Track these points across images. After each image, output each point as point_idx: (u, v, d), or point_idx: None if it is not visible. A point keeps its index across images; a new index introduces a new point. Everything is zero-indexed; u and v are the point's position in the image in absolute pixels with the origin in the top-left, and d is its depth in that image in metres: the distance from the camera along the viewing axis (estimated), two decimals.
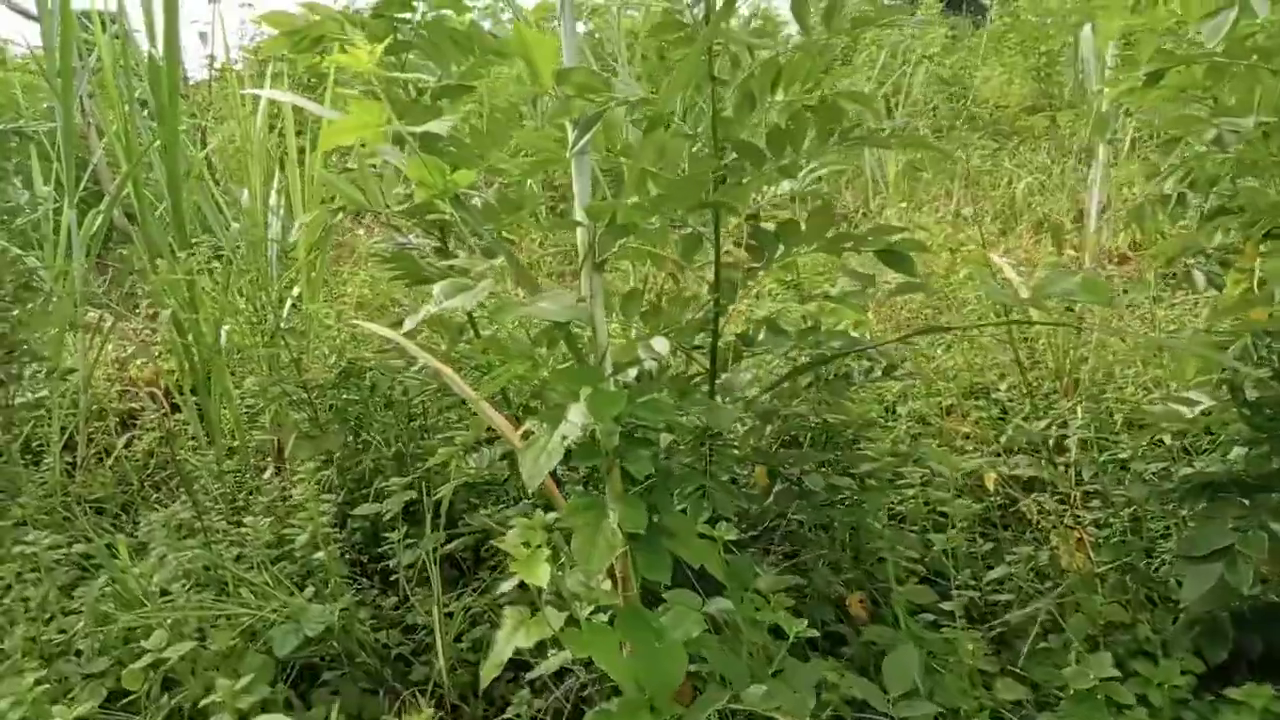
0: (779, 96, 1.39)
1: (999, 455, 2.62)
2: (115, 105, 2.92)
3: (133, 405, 3.54)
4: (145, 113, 3.28)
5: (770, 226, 1.44)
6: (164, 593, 1.98)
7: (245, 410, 3.05)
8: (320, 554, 1.90)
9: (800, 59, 1.27)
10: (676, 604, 1.13)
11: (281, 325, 2.71)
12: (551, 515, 1.13)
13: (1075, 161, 6.22)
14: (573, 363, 1.25)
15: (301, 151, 3.20)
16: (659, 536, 1.15)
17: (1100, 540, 2.06)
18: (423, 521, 2.34)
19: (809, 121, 1.29)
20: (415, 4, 1.80)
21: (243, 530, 2.08)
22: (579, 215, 1.23)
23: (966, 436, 2.50)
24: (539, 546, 1.06)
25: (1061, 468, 2.35)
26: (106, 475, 3.01)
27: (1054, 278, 1.23)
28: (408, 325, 1.18)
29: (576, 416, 1.13)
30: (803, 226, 1.36)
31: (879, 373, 1.95)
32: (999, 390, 2.91)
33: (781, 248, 1.39)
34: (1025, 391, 2.77)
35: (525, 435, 1.18)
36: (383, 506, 2.29)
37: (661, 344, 1.25)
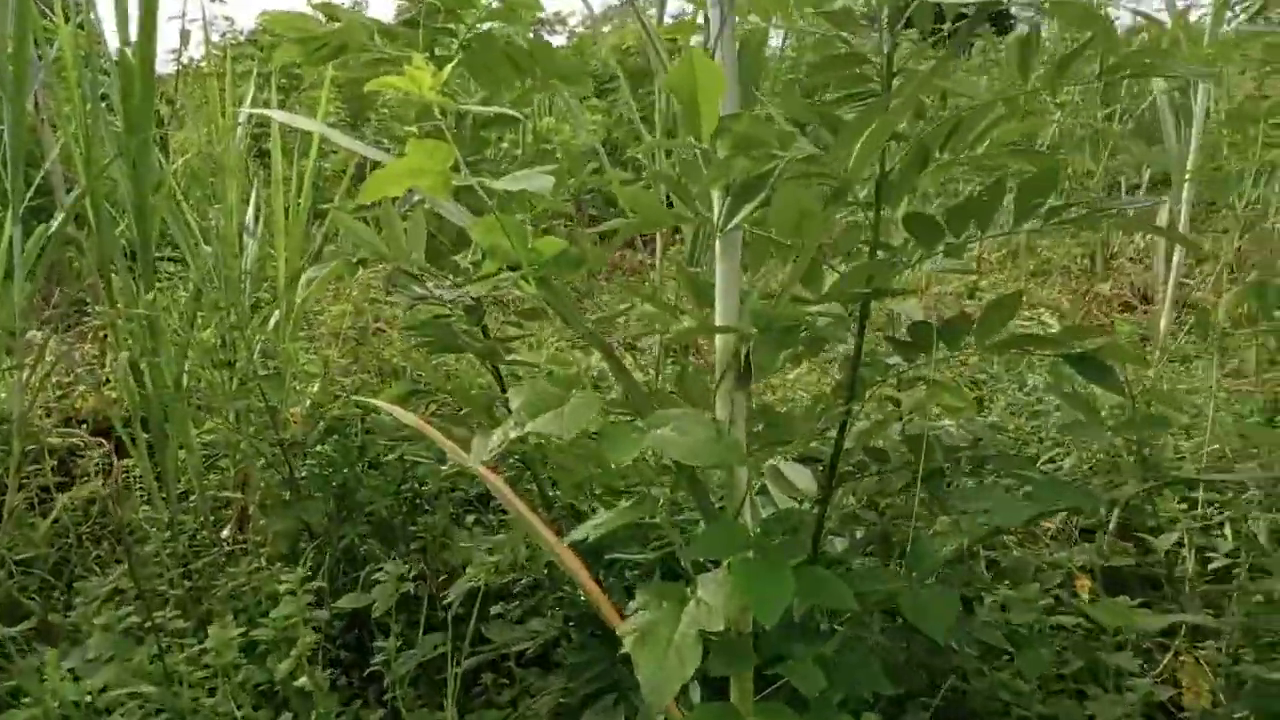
0: (944, 155, 1.09)
1: (1076, 543, 2.34)
2: (75, 104, 2.54)
3: (74, 442, 3.12)
4: (105, 105, 2.89)
5: (923, 316, 1.14)
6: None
7: (204, 456, 2.66)
8: (303, 679, 1.54)
9: (1001, 109, 0.97)
10: None
11: (256, 370, 2.34)
12: None
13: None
14: (694, 506, 0.94)
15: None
16: None
17: (1227, 671, 1.77)
18: (418, 616, 1.99)
19: (1004, 190, 1.00)
20: (464, 15, 1.47)
21: (202, 637, 1.70)
22: (724, 315, 0.91)
23: (1046, 530, 2.21)
24: None
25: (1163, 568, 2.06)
26: (39, 529, 2.59)
27: None
28: (478, 456, 0.85)
29: (714, 596, 0.80)
30: (974, 320, 1.06)
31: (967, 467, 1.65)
32: (1060, 467, 2.64)
33: (943, 345, 1.09)
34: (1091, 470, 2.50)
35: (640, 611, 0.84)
36: (372, 598, 1.93)
37: (801, 475, 0.93)
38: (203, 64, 4.65)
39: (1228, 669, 1.78)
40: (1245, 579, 1.90)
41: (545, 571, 1.64)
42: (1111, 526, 2.32)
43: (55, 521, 2.62)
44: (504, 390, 1.59)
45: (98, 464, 2.87)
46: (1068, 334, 1.04)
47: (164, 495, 2.50)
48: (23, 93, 2.37)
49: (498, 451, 0.85)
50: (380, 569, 2.01)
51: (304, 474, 2.28)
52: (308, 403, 2.24)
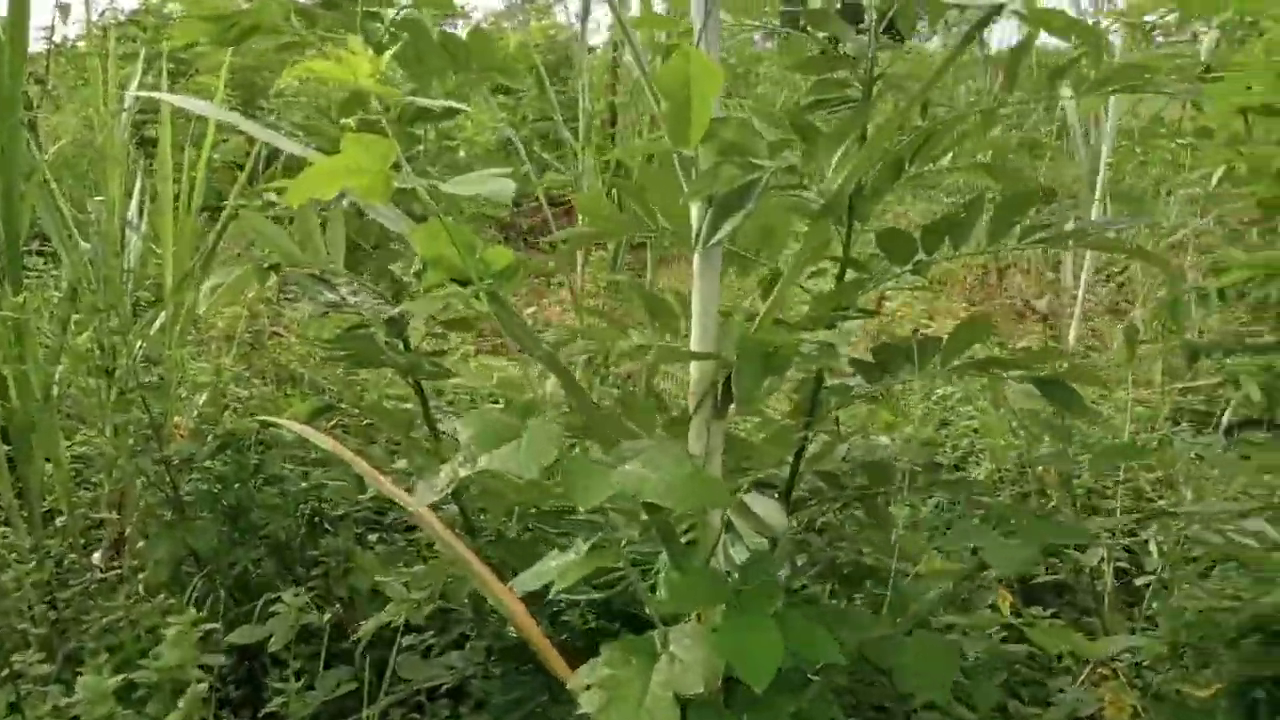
0: (913, 168, 1.04)
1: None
2: None
3: None
4: None
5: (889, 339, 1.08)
6: None
7: (74, 472, 2.41)
8: None
9: (982, 122, 0.92)
10: None
11: (138, 378, 2.13)
12: None
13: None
14: (663, 552, 0.84)
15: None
16: None
17: (1146, 686, 1.79)
18: (319, 649, 1.83)
19: (983, 207, 0.95)
20: None
21: (70, 681, 1.51)
22: (701, 339, 0.83)
23: None
24: None
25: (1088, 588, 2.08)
26: None
27: None
28: (423, 498, 0.74)
29: (691, 653, 0.72)
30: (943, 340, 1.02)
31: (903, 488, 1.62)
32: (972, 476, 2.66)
33: (910, 366, 1.04)
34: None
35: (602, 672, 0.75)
36: (269, 631, 1.77)
37: (769, 508, 0.86)
38: (79, 43, 4.29)
39: (1147, 684, 1.80)
40: (1155, 594, 1.94)
41: (466, 601, 1.52)
42: None
43: None
44: (426, 407, 1.47)
45: None
46: (1036, 356, 1.01)
47: (25, 515, 2.25)
48: None
49: (446, 491, 0.74)
50: (277, 598, 1.85)
51: (190, 492, 2.09)
52: (196, 414, 2.05)
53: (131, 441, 2.13)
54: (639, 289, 1.03)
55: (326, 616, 1.81)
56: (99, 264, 2.42)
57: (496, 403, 2.76)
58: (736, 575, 0.83)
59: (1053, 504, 1.98)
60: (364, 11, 1.34)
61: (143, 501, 2.19)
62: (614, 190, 2.13)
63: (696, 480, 0.74)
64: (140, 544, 2.16)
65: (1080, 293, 2.48)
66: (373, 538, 2.20)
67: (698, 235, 0.87)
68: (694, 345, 0.88)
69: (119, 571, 2.16)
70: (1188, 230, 2.51)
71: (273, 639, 1.75)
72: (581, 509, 0.70)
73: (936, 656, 0.88)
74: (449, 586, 1.37)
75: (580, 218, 0.95)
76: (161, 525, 2.04)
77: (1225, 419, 2.30)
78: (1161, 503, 2.24)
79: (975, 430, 2.58)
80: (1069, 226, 0.97)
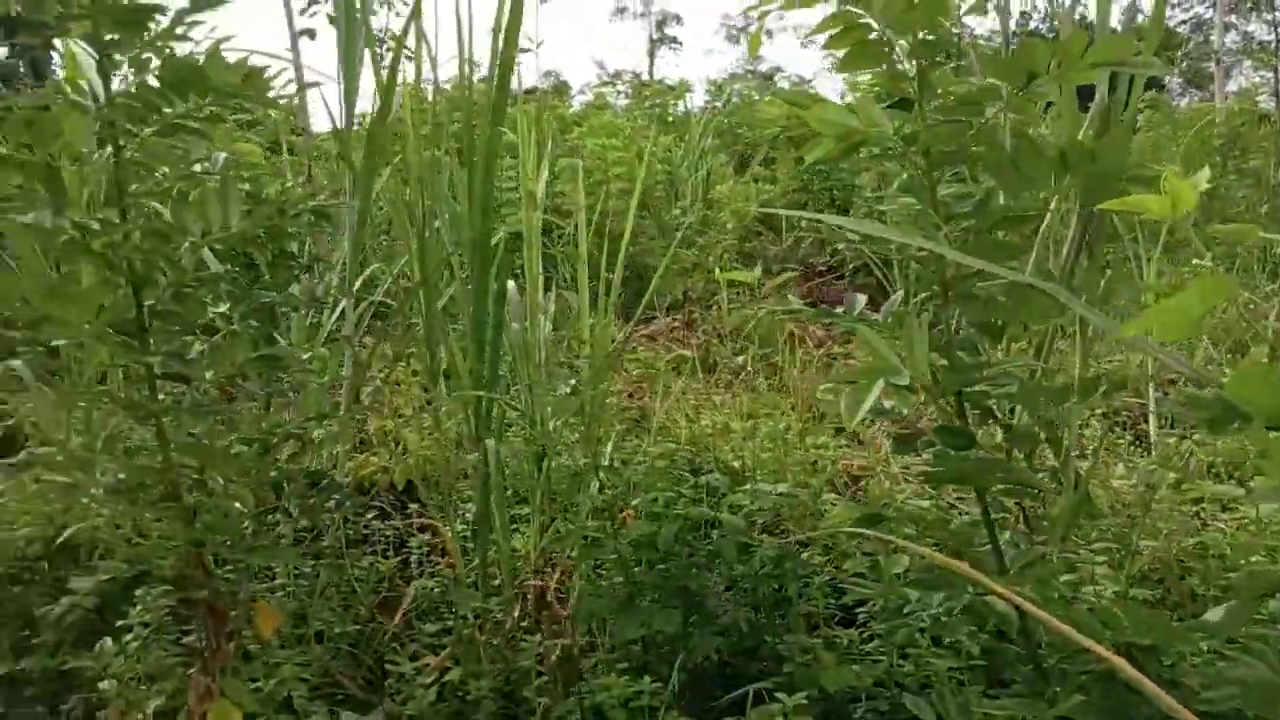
0: None
1: None
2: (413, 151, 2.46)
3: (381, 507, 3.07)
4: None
5: None
6: None
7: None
8: None
9: None
10: None
11: (599, 461, 2.23)
12: None
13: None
14: None
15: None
16: None
17: None
18: None
19: None
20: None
21: None
22: None
23: None
24: None
25: None
26: (334, 601, 2.51)
27: None
28: None
29: None
30: None
31: None
32: None
33: None
34: None
35: None
36: None
37: None
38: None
39: None
40: None
41: None
42: None
43: (342, 586, 2.55)
44: (990, 522, 1.39)
45: (389, 537, 2.81)
46: None
47: (481, 577, 2.39)
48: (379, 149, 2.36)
49: None
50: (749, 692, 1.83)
51: (642, 574, 2.14)
52: (645, 498, 2.11)
53: (588, 520, 2.23)
54: None
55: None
56: (519, 344, 2.58)
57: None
58: None
59: None
60: (965, 122, 1.32)
61: (582, 580, 2.26)
62: None
63: None
64: (564, 613, 2.21)
65: None
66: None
67: None
68: None
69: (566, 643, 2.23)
70: None
71: None
72: None
73: None
74: None
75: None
76: (618, 605, 2.10)
77: None
78: None
79: None
80: None
